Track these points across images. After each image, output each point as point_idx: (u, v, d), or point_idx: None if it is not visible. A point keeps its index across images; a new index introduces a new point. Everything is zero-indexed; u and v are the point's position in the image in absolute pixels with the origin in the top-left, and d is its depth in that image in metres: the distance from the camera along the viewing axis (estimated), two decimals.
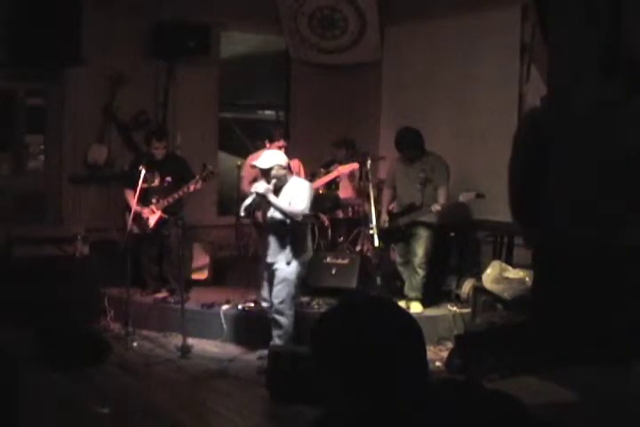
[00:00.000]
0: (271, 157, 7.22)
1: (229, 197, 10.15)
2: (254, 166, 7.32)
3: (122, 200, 9.03)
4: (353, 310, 2.15)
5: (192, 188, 8.51)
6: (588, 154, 5.19)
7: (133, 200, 8.39)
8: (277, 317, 7.24)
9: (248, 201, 7.15)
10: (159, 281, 9.13)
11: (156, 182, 8.84)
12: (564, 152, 5.32)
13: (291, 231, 7.21)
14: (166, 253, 9.05)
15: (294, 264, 7.24)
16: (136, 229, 8.61)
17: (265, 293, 7.49)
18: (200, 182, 8.47)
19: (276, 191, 7.15)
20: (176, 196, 8.63)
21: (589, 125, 5.23)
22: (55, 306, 8.07)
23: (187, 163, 9.18)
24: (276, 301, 7.23)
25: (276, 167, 7.09)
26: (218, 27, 10.48)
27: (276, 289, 7.24)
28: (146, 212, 8.77)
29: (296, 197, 7.13)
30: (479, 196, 8.21)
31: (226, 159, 11.39)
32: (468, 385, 2.20)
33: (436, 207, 8.25)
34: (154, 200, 8.77)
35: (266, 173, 7.14)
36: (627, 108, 5.13)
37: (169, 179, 8.85)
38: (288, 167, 7.25)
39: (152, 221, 8.79)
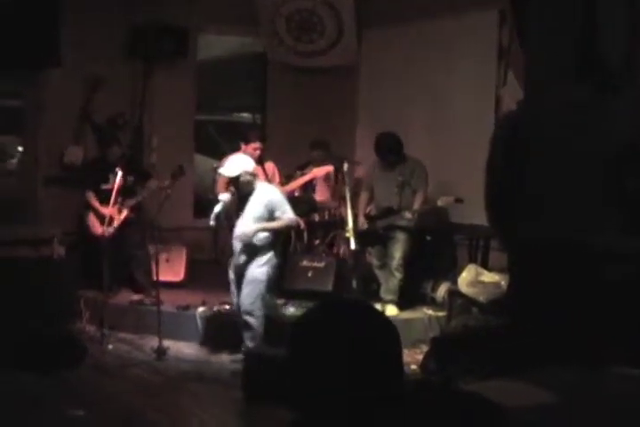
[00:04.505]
0: (237, 163, 7.12)
1: (206, 199, 10.11)
2: (220, 174, 7.20)
3: (81, 203, 9.01)
4: (330, 313, 2.15)
5: (163, 184, 8.27)
6: (563, 155, 5.23)
7: (96, 201, 8.29)
8: (247, 318, 7.23)
9: (217, 208, 7.09)
10: (125, 283, 9.10)
11: (119, 182, 8.36)
12: (541, 154, 5.35)
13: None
14: (130, 253, 9.03)
15: (265, 265, 7.24)
16: (100, 231, 8.50)
17: (233, 297, 7.50)
18: (169, 180, 8.19)
19: (244, 199, 7.11)
20: (145, 194, 8.59)
21: (564, 127, 5.27)
22: (30, 308, 8.02)
23: (141, 162, 9.28)
24: (246, 302, 7.21)
25: (243, 174, 7.01)
26: (195, 29, 10.47)
27: (246, 290, 7.23)
28: (112, 211, 8.54)
29: (278, 208, 7.10)
30: (458, 200, 8.24)
31: (202, 161, 11.37)
32: (443, 387, 2.21)
33: (407, 215, 8.29)
34: (119, 200, 8.60)
35: (233, 181, 7.09)
36: (599, 109, 5.17)
37: (131, 178, 8.79)
38: (255, 173, 7.19)
39: (118, 221, 8.68)
